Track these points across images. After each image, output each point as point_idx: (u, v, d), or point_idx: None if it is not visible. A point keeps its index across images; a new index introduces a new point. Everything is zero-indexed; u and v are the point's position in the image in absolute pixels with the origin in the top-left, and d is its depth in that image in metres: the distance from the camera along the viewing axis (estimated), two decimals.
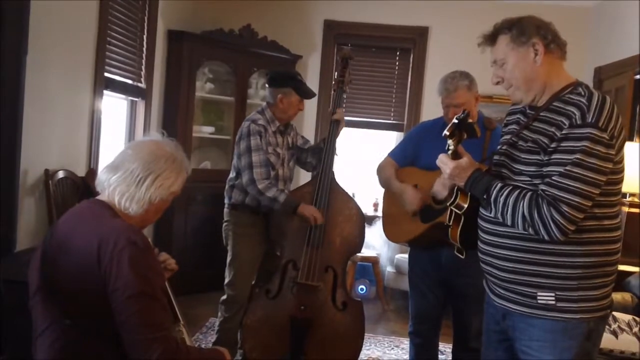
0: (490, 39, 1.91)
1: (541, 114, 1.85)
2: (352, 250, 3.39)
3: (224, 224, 3.44)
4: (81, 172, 3.62)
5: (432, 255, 2.93)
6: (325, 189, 3.30)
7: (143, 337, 1.60)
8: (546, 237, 1.74)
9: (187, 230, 4.99)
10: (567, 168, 1.70)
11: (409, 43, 5.75)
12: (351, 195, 3.44)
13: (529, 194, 1.77)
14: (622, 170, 1.83)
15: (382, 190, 3.14)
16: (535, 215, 1.73)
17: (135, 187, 1.73)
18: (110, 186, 1.75)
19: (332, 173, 3.36)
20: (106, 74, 3.89)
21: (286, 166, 3.43)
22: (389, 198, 3.08)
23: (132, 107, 4.59)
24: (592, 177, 1.70)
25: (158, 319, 1.64)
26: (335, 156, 3.39)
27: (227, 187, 3.43)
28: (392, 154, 3.12)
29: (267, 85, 3.45)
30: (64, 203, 3.26)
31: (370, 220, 5.51)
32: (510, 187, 1.82)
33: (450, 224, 2.08)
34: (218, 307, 3.42)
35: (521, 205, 1.76)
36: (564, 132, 1.74)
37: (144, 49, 4.51)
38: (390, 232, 3.08)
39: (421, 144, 3.00)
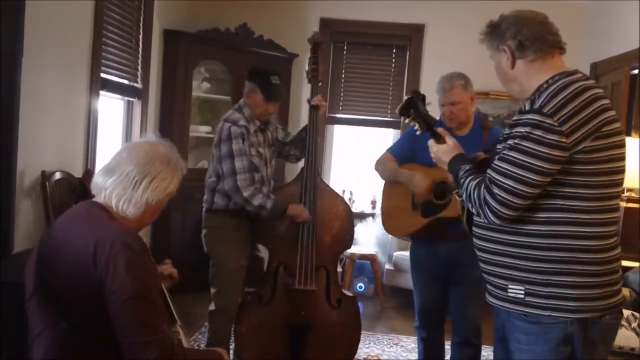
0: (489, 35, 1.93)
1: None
2: (342, 247, 3.38)
3: (204, 231, 3.21)
4: (78, 173, 3.62)
5: (432, 250, 2.96)
6: (311, 187, 3.20)
7: (139, 340, 1.60)
8: (484, 220, 1.76)
9: (184, 229, 4.97)
10: (504, 152, 1.72)
11: (405, 40, 5.74)
12: (347, 193, 3.43)
13: (481, 177, 1.79)
14: (593, 162, 1.68)
15: (380, 187, 3.15)
16: (475, 195, 1.76)
17: (132, 189, 1.73)
18: (107, 189, 1.75)
19: (317, 171, 3.27)
20: (102, 75, 3.89)
21: (269, 165, 3.26)
22: (389, 192, 3.08)
23: (129, 107, 4.58)
24: (528, 161, 1.65)
25: (154, 321, 1.65)
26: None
27: (206, 191, 3.19)
28: (391, 150, 3.12)
29: None
30: (61, 204, 3.26)
31: (368, 217, 5.52)
32: (473, 171, 1.85)
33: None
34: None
35: (470, 185, 1.80)
36: (514, 118, 1.78)
37: (140, 49, 4.49)
38: (390, 226, 3.10)
39: (419, 143, 3.01)
